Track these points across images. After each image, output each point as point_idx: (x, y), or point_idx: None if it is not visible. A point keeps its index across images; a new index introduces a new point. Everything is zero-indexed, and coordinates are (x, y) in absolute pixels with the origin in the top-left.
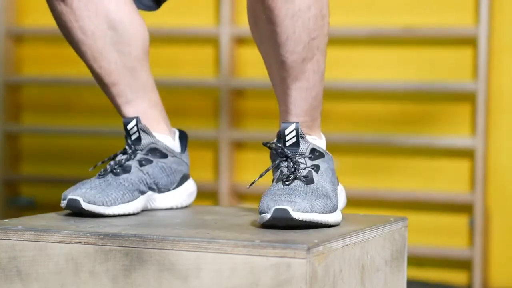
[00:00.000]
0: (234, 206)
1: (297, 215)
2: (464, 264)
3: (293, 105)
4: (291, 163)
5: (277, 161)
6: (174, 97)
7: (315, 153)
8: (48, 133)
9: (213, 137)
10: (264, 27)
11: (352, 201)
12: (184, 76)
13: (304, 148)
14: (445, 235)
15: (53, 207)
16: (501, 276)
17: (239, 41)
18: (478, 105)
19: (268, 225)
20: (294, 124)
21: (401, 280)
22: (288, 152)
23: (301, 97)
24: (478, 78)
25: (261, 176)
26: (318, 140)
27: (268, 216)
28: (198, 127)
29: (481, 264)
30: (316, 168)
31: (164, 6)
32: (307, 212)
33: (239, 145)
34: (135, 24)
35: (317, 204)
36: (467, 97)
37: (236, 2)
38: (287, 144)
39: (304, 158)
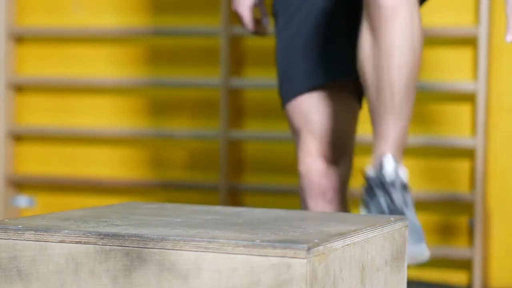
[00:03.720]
0: (234, 206)
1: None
2: (464, 264)
3: (392, 129)
4: (388, 198)
5: (374, 191)
6: (174, 96)
7: (405, 187)
8: (48, 133)
9: (213, 136)
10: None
11: (352, 201)
12: (184, 76)
13: (398, 182)
14: (445, 235)
15: (53, 207)
16: (501, 276)
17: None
18: (478, 105)
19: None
20: (391, 155)
21: (401, 280)
22: (386, 182)
23: (398, 125)
24: (478, 78)
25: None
26: (403, 172)
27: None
28: (198, 126)
29: (481, 264)
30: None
31: (165, 5)
32: None
33: (239, 145)
34: None
35: None
36: (467, 97)
37: None
38: (385, 176)
39: (396, 191)
